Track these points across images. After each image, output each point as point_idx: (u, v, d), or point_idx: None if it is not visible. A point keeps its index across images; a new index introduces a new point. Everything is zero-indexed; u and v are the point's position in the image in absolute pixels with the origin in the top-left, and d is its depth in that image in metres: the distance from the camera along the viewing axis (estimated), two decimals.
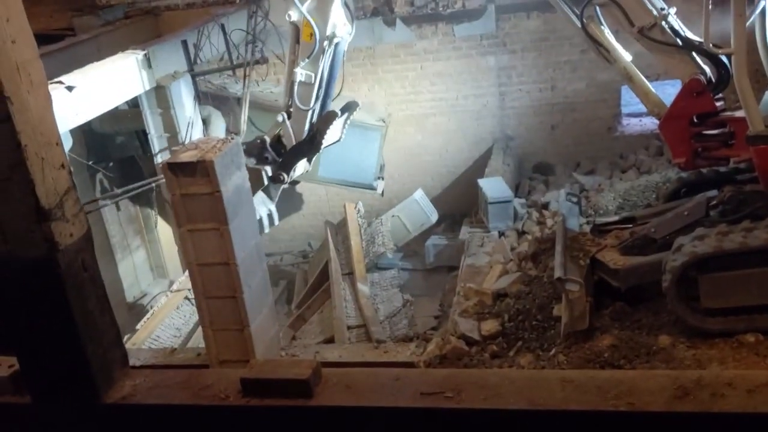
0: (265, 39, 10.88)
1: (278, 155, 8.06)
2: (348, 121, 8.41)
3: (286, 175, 8.14)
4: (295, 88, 7.72)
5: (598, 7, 6.71)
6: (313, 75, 7.65)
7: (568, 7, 6.93)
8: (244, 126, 9.12)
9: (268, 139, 7.97)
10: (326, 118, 7.95)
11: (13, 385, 3.21)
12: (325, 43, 7.54)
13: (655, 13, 6.40)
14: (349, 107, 8.45)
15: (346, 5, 7.67)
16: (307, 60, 7.59)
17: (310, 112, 7.86)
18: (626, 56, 6.82)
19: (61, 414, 3.19)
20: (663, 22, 6.39)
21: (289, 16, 7.43)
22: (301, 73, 7.64)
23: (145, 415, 3.10)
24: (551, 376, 2.90)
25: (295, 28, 7.53)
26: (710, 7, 5.76)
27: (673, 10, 6.49)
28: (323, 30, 7.46)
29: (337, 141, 8.42)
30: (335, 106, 8.19)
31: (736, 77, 5.88)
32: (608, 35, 6.82)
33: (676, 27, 6.47)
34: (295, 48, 7.66)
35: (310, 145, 8.01)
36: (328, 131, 7.96)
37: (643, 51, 6.62)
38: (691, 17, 10.43)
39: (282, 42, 10.99)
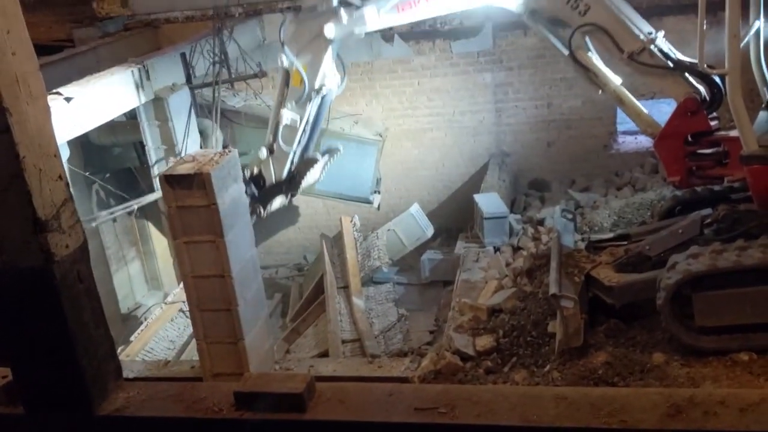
0: (266, 53, 10.95)
1: (257, 189, 8.17)
2: (328, 165, 8.53)
3: (263, 210, 8.29)
4: (280, 129, 7.84)
5: (586, 35, 6.77)
6: (298, 119, 7.79)
7: (554, 36, 7.01)
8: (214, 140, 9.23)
9: (248, 173, 8.07)
10: (307, 163, 8.14)
11: (6, 396, 3.20)
12: (314, 92, 7.67)
13: (642, 37, 6.46)
14: (330, 151, 8.59)
15: (339, 58, 7.80)
16: (294, 104, 7.73)
17: (291, 154, 8.00)
18: (616, 79, 6.88)
19: (54, 426, 3.19)
20: (652, 46, 6.45)
21: (281, 61, 7.54)
22: (287, 116, 7.77)
23: (138, 428, 3.10)
24: (545, 392, 2.91)
25: (286, 72, 7.67)
26: (705, 27, 5.81)
27: (661, 33, 6.56)
28: (313, 81, 7.58)
29: (315, 182, 8.57)
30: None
31: (730, 97, 5.92)
32: (596, 61, 6.87)
33: (665, 49, 6.53)
34: (284, 90, 7.80)
35: (288, 185, 8.19)
36: (307, 174, 8.15)
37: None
38: (686, 36, 10.55)
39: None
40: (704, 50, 5.88)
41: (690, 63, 6.49)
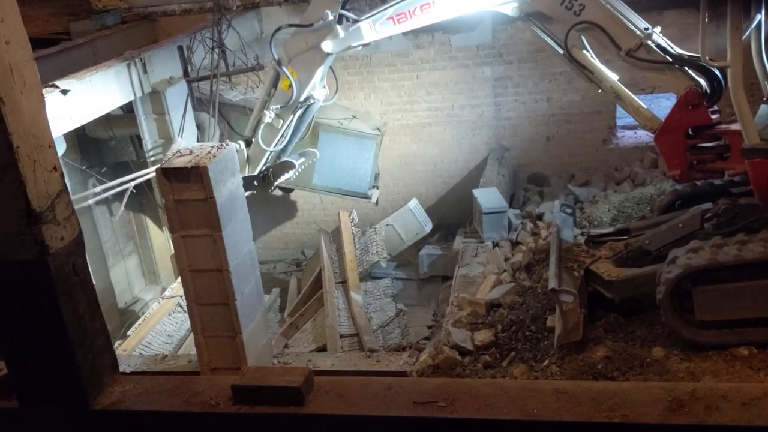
0: (264, 46, 10.90)
1: None
2: (302, 167, 8.54)
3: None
4: (261, 126, 7.87)
5: (581, 33, 6.75)
6: (281, 122, 7.82)
7: (549, 36, 6.99)
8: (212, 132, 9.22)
9: None
10: (283, 165, 8.18)
11: (1, 389, 3.17)
12: (301, 100, 7.72)
13: (638, 33, 6.44)
14: (306, 155, 8.63)
15: (331, 70, 7.86)
16: (279, 107, 7.76)
17: (268, 153, 8.03)
18: (612, 76, 6.86)
19: (49, 419, 3.16)
20: (649, 41, 6.43)
21: (273, 59, 7.54)
22: (269, 116, 7.80)
23: (134, 422, 3.07)
24: (545, 386, 2.89)
25: (276, 73, 7.69)
26: (707, 20, 5.77)
27: (657, 29, 6.54)
28: (302, 90, 7.63)
29: (286, 180, 8.59)
30: (327, 111, 8.26)
31: (732, 90, 5.89)
32: (592, 58, 6.86)
33: (663, 44, 6.50)
34: (271, 90, 7.84)
35: (261, 182, 8.21)
36: (282, 176, 8.24)
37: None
38: (686, 31, 10.53)
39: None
40: (706, 43, 5.84)
41: (689, 56, 6.46)
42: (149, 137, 9.31)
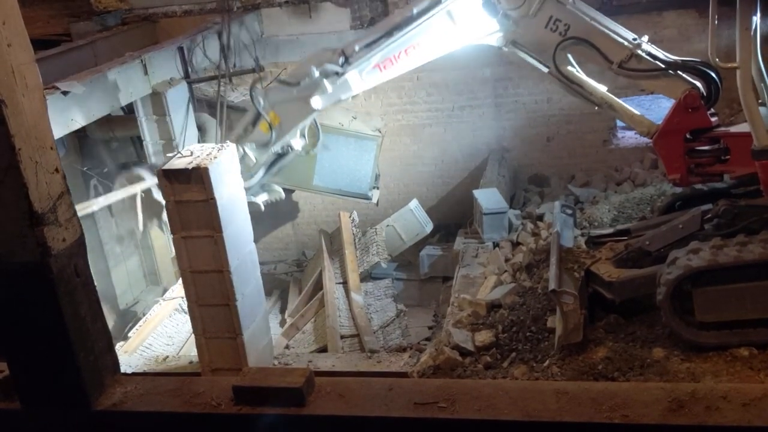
0: (264, 48, 10.91)
1: None
2: (265, 204, 8.32)
3: None
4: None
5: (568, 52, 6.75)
6: (254, 160, 7.63)
7: (535, 59, 6.99)
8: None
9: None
10: (249, 203, 7.94)
11: (3, 390, 3.18)
12: (278, 148, 7.57)
13: (627, 44, 6.46)
14: (270, 192, 8.34)
15: (315, 121, 7.74)
16: (254, 145, 7.56)
17: None
18: (602, 88, 6.88)
19: (50, 420, 3.16)
20: (639, 51, 6.44)
21: (259, 103, 7.31)
22: (241, 151, 7.54)
23: (135, 422, 3.08)
24: (546, 387, 2.89)
25: (256, 113, 7.44)
26: (716, 21, 5.77)
27: (645, 38, 6.56)
28: (280, 137, 7.44)
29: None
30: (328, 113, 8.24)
31: (741, 92, 5.87)
32: (579, 73, 6.87)
33: (653, 51, 6.52)
34: (248, 126, 7.59)
35: None
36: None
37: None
38: (687, 31, 10.53)
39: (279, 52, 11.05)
40: (714, 45, 5.84)
41: (683, 60, 6.49)
42: (150, 138, 9.32)
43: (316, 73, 7.02)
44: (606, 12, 6.98)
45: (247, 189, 7.75)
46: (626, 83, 6.94)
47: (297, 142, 7.70)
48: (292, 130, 7.46)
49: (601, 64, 6.58)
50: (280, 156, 7.79)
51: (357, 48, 6.96)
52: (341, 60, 7.00)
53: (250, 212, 7.79)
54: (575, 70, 6.82)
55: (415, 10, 6.81)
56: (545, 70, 6.88)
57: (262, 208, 8.22)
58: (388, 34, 6.86)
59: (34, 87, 2.85)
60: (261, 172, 7.81)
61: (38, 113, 2.86)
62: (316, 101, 7.11)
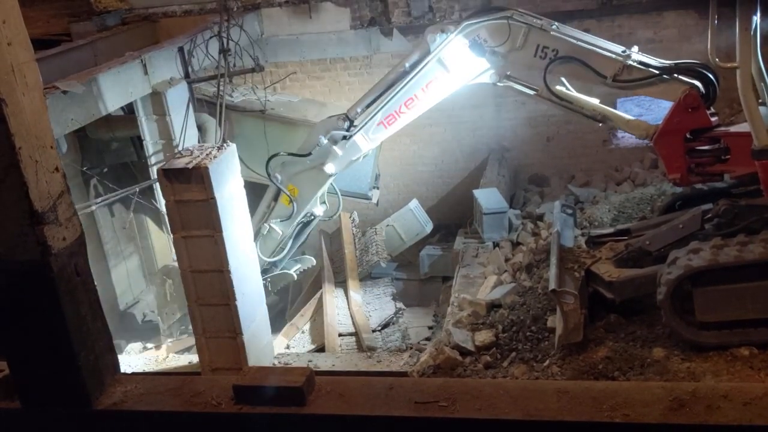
0: (264, 47, 10.89)
1: None
2: (298, 273, 8.66)
3: None
4: (259, 238, 7.94)
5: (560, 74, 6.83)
6: (280, 233, 7.95)
7: (526, 87, 7.09)
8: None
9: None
10: (282, 277, 8.38)
11: (3, 390, 3.18)
12: (300, 217, 7.88)
13: (617, 57, 6.49)
14: (302, 261, 8.70)
15: (333, 186, 8.02)
16: (279, 220, 7.90)
17: (265, 263, 8.11)
18: (593, 100, 6.95)
19: (51, 420, 3.16)
20: (629, 61, 6.47)
21: (276, 178, 7.67)
22: (268, 228, 7.92)
23: (136, 422, 3.07)
24: (546, 386, 2.89)
25: (277, 188, 7.79)
26: (716, 22, 5.78)
27: (635, 48, 6.59)
28: (302, 207, 7.80)
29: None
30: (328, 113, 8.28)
31: (741, 91, 5.88)
32: (569, 91, 6.94)
33: (645, 59, 6.54)
34: (271, 203, 7.94)
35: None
36: (279, 285, 8.52)
37: None
38: (686, 32, 10.52)
39: (278, 52, 11.02)
40: (714, 45, 5.85)
41: (677, 63, 6.51)
42: (150, 138, 9.31)
43: (325, 141, 7.38)
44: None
45: (279, 263, 8.15)
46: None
47: (318, 209, 8.08)
48: (312, 198, 7.81)
49: (596, 80, 6.64)
50: (305, 225, 8.14)
51: (359, 110, 7.32)
52: (346, 124, 7.35)
53: (284, 285, 8.39)
54: (565, 88, 6.91)
55: (407, 64, 7.16)
56: (531, 93, 7.04)
57: (295, 277, 8.61)
58: (386, 91, 7.19)
59: (34, 86, 2.85)
60: (290, 244, 8.14)
61: (38, 112, 2.86)
62: (330, 167, 7.53)
